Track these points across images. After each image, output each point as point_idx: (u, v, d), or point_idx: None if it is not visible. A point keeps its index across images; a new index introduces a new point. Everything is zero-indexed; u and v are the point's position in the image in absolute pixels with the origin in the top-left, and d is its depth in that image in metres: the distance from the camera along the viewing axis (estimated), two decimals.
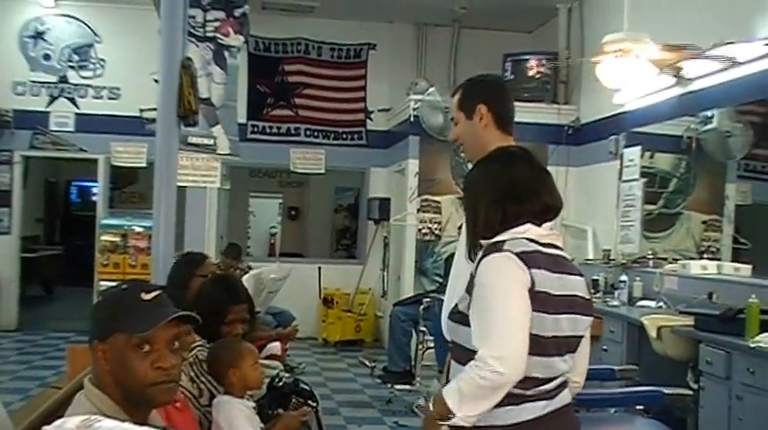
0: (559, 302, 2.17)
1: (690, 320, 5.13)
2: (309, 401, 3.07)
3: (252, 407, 2.72)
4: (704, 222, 7.57)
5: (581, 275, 2.31)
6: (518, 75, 9.05)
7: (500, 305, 2.11)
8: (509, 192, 2.25)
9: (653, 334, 5.18)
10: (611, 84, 6.06)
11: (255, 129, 9.81)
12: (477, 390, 2.08)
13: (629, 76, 5.52)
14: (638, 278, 6.66)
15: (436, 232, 8.75)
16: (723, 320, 4.67)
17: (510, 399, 2.13)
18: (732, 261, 7.10)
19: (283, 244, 15.30)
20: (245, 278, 5.91)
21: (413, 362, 6.59)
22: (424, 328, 6.45)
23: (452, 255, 8.31)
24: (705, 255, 7.38)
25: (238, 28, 7.40)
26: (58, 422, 1.50)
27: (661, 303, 6.11)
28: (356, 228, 13.19)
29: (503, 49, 9.35)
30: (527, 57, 9.09)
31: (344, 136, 10.14)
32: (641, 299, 6.40)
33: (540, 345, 2.13)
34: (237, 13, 7.41)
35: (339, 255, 13.59)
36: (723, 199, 7.56)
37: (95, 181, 10.28)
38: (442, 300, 5.26)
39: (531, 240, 2.19)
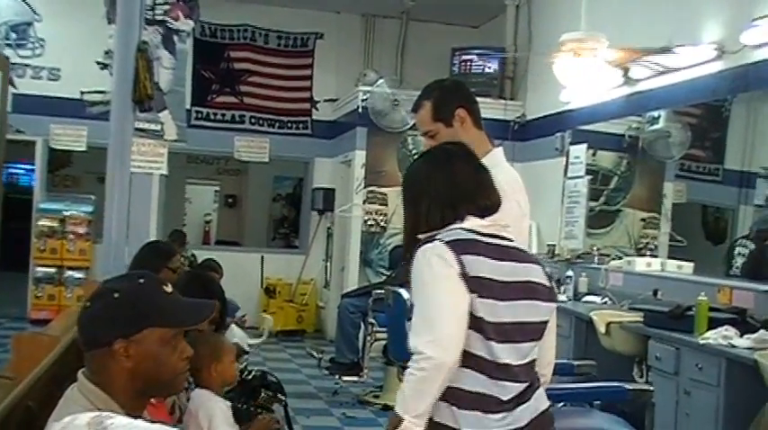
0: (512, 289, 2.17)
1: (637, 316, 5.25)
2: (279, 394, 3.04)
3: (229, 407, 2.69)
4: (643, 220, 7.75)
5: (537, 263, 2.32)
6: (465, 69, 9.11)
7: (429, 294, 2.12)
8: (448, 194, 2.25)
9: (602, 329, 5.28)
10: (566, 82, 6.14)
11: (200, 116, 9.68)
12: (416, 384, 2.09)
13: (584, 74, 5.60)
14: (583, 274, 6.77)
15: (382, 224, 8.77)
16: (672, 317, 4.79)
17: (489, 405, 2.13)
18: (668, 258, 7.29)
19: (219, 232, 15.13)
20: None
21: (360, 354, 6.59)
22: (372, 320, 6.46)
23: (398, 246, 8.33)
24: (643, 252, 7.57)
25: (188, 12, 7.29)
26: (67, 419, 1.46)
27: (606, 299, 6.24)
28: (294, 218, 13.13)
29: (450, 42, 9.41)
30: (475, 51, 9.15)
31: (289, 125, 10.07)
32: (587, 294, 6.52)
33: (500, 332, 2.13)
34: None
35: (276, 244, 13.50)
36: (661, 197, 7.76)
37: (29, 163, 10.00)
38: (396, 293, 5.28)
39: (470, 230, 2.20)
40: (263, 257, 9.91)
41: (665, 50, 5.98)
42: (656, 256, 7.37)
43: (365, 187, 8.74)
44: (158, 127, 6.77)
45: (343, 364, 6.64)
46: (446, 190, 2.26)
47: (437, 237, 2.17)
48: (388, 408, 6.47)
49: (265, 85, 9.95)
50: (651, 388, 3.56)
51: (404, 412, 2.11)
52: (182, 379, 1.86)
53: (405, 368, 5.38)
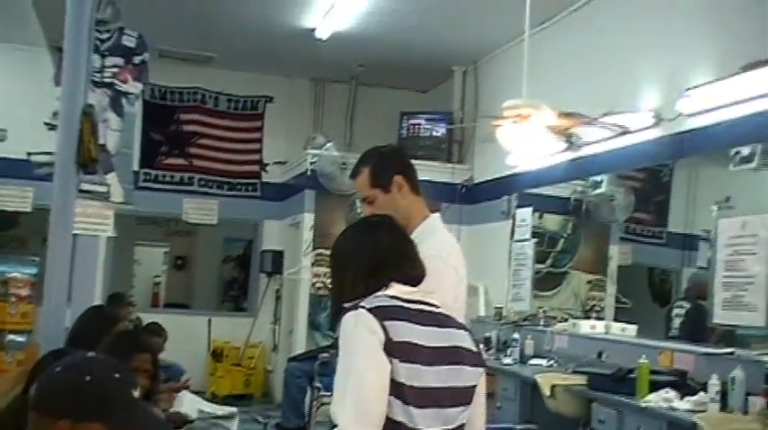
0: (437, 354, 2.18)
1: (581, 379, 5.29)
2: None
3: None
4: (589, 282, 7.85)
5: (465, 329, 2.34)
6: (413, 133, 9.23)
7: (354, 365, 2.11)
8: (372, 263, 2.28)
9: (546, 392, 5.30)
10: (509, 147, 6.26)
11: (148, 178, 9.64)
12: None
13: (526, 140, 5.73)
14: (529, 336, 6.81)
15: (330, 286, 8.74)
16: (615, 380, 4.83)
17: None
18: (614, 319, 7.38)
19: (168, 294, 14.96)
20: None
21: (307, 419, 6.52)
22: (318, 384, 6.41)
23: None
24: (590, 314, 7.65)
25: (137, 75, 7.30)
26: None
27: (552, 361, 6.27)
28: (245, 280, 13.02)
29: (399, 106, 9.55)
30: (423, 116, 9.29)
31: (239, 187, 10.07)
32: (533, 356, 6.55)
33: (423, 397, 2.13)
34: (137, 60, 7.30)
35: (227, 307, 13.37)
36: (607, 259, 7.88)
37: None
38: None
39: (394, 297, 2.22)
40: (210, 320, 9.79)
41: (606, 116, 6.14)
42: (602, 318, 7.46)
43: (313, 249, 8.74)
44: (104, 189, 6.70)
45: (289, 429, 6.56)
46: (369, 260, 2.29)
47: (360, 304, 2.20)
48: None
49: (215, 148, 9.96)
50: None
51: None
52: None
53: None
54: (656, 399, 4.41)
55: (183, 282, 14.81)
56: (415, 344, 2.15)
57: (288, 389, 6.74)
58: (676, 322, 6.99)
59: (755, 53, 4.77)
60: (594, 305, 7.84)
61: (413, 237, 2.73)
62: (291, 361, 7.09)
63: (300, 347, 8.56)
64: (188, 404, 4.97)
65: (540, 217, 7.74)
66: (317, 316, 8.75)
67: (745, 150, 5.11)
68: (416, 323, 2.18)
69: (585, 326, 6.38)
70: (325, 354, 6.39)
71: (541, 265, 7.77)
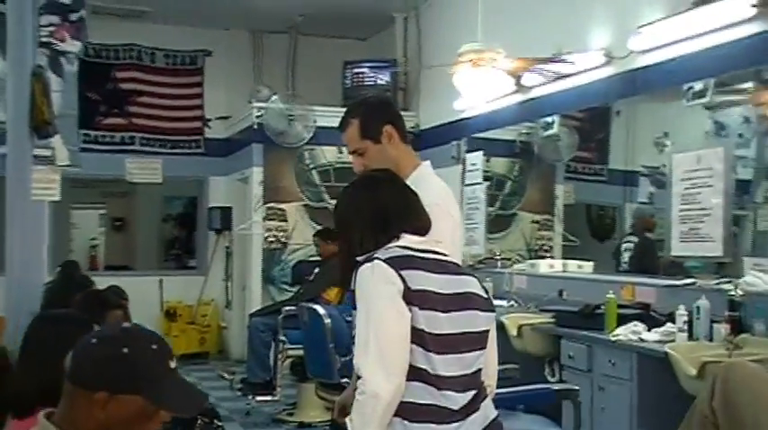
0: (451, 300, 2.22)
1: (546, 318, 5.40)
2: (215, 421, 3.00)
3: None
4: (536, 222, 7.99)
5: (473, 276, 2.39)
6: (357, 82, 9.18)
7: (373, 316, 2.15)
8: (379, 221, 2.31)
9: (513, 332, 5.40)
10: (465, 92, 6.28)
11: (88, 139, 9.37)
12: (365, 409, 2.11)
13: (482, 84, 5.74)
14: (488, 278, 6.89)
15: (282, 240, 8.73)
16: (583, 316, 4.94)
17: (441, 417, 2.16)
18: (563, 258, 7.54)
19: (108, 256, 14.69)
20: None
21: (273, 373, 6.54)
22: (283, 338, 6.42)
23: (301, 262, 8.25)
24: (538, 254, 7.80)
25: (75, 33, 7.05)
26: None
27: (513, 302, 6.37)
28: (187, 238, 12.88)
29: (340, 56, 9.46)
30: (366, 64, 9.23)
31: (182, 144, 9.89)
32: (493, 298, 6.63)
33: (442, 343, 2.18)
34: (73, 17, 7.05)
35: (170, 266, 13.19)
36: (553, 199, 8.01)
37: None
38: (312, 310, 5.27)
39: (405, 247, 2.26)
40: (161, 280, 9.68)
41: (556, 57, 6.18)
42: (551, 257, 7.62)
43: (264, 204, 8.68)
44: (50, 152, 6.55)
45: (255, 384, 6.57)
46: (375, 216, 2.32)
47: (375, 255, 2.21)
48: (303, 426, 6.45)
49: (155, 105, 9.74)
50: (577, 387, 3.67)
51: None
52: None
53: (324, 385, 5.39)
54: (624, 333, 4.52)
55: (122, 244, 14.56)
56: (432, 292, 2.18)
57: (252, 344, 6.73)
58: (626, 256, 7.17)
59: None
60: (543, 245, 7.98)
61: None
62: (254, 316, 7.05)
63: (256, 303, 8.54)
64: None
65: (488, 160, 7.80)
66: (271, 270, 8.73)
67: (698, 85, 5.21)
68: (430, 271, 2.22)
69: (544, 266, 6.50)
70: (288, 308, 6.38)
71: (491, 208, 7.85)
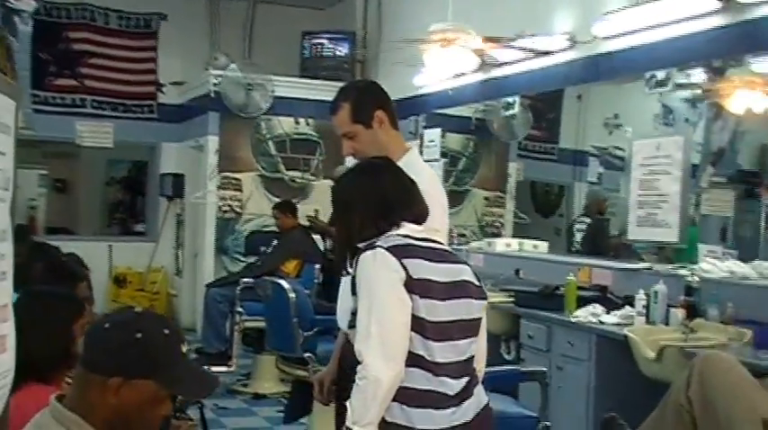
0: (449, 289, 2.30)
1: (505, 297, 5.49)
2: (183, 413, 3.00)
3: None
4: (486, 199, 8.10)
5: (466, 264, 2.47)
6: (316, 53, 9.14)
7: (375, 303, 2.22)
8: (381, 207, 2.37)
9: None
10: (434, 70, 6.32)
11: (37, 99, 9.17)
12: (364, 394, 2.17)
13: (450, 63, 5.78)
14: None
15: (237, 209, 8.70)
16: (543, 297, 5.05)
17: (439, 402, 2.23)
18: (513, 235, 7.68)
19: (49, 218, 14.39)
20: None
21: (229, 344, 6.55)
22: (240, 309, 6.43)
23: (254, 232, 8.22)
24: (487, 230, 7.93)
25: None
26: None
27: None
28: (131, 202, 12.73)
29: (298, 25, 9.40)
30: (325, 35, 9.18)
31: (134, 109, 9.72)
32: None
33: (440, 331, 2.25)
34: None
35: (112, 231, 13.02)
36: (506, 176, 8.13)
37: None
38: (276, 284, 5.28)
39: (406, 236, 2.32)
40: (111, 246, 9.57)
41: (520, 38, 6.23)
42: (499, 235, 7.74)
43: (219, 173, 8.62)
44: None
45: (211, 355, 6.57)
46: (377, 202, 2.37)
47: (377, 243, 2.26)
48: (259, 397, 6.49)
49: (107, 68, 9.55)
50: (545, 369, 3.77)
51: (353, 423, 2.18)
52: None
53: (285, 358, 5.40)
54: (584, 314, 4.64)
55: (64, 206, 14.28)
56: (432, 281, 2.25)
57: (209, 314, 6.72)
58: (578, 237, 7.34)
59: None
60: (493, 221, 8.11)
61: None
62: (211, 286, 7.03)
63: (208, 272, 8.52)
64: None
65: (443, 136, 7.87)
66: (225, 239, 8.70)
67: (661, 74, 5.33)
68: (430, 260, 2.28)
69: (501, 245, 6.59)
70: (246, 280, 6.39)
71: (444, 184, 7.93)
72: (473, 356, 2.37)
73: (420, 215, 2.40)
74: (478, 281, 2.44)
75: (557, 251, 6.88)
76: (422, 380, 2.22)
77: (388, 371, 2.16)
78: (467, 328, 2.33)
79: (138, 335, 1.73)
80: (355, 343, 2.24)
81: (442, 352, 2.24)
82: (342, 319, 2.79)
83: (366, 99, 2.85)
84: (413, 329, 2.21)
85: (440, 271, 2.28)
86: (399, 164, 2.82)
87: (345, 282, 2.54)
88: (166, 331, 1.78)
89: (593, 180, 8.16)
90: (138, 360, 1.73)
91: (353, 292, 2.30)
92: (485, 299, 2.44)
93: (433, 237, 2.39)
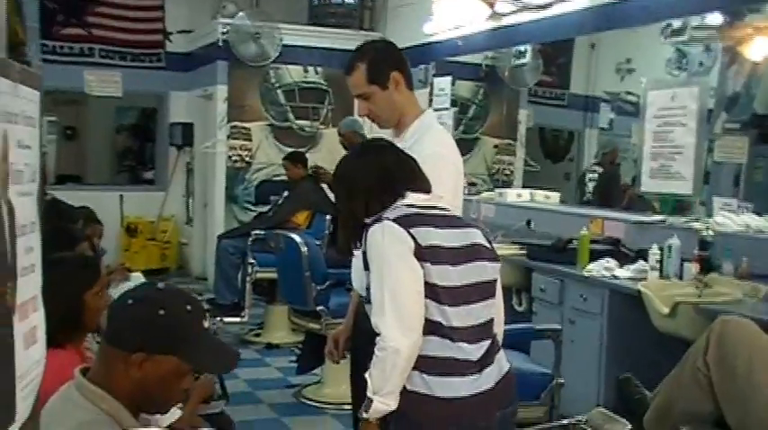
0: (460, 253, 2.30)
1: (516, 249, 5.48)
2: None
3: None
4: (496, 146, 8.05)
5: (477, 228, 2.46)
6: (323, 0, 9.00)
7: (387, 275, 2.22)
8: (384, 183, 2.37)
9: None
10: (448, 21, 6.24)
11: (45, 49, 9.07)
12: (384, 365, 2.18)
13: (461, 13, 5.71)
14: None
15: (246, 159, 8.67)
16: (555, 250, 5.04)
17: (459, 368, 2.24)
18: (523, 182, 7.66)
19: (59, 166, 14.38)
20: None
21: (242, 295, 6.59)
22: (252, 260, 6.46)
23: (264, 181, 8.20)
24: (497, 177, 7.91)
25: None
26: None
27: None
28: (139, 149, 12.69)
29: None
30: None
31: (142, 58, 9.64)
32: None
33: (454, 295, 2.25)
34: None
35: (122, 178, 13.02)
36: (516, 124, 8.07)
37: None
38: (288, 238, 5.28)
39: (411, 205, 2.32)
40: (122, 196, 9.56)
41: None
42: (510, 182, 7.72)
43: (228, 122, 8.57)
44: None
45: (223, 306, 6.61)
46: (380, 179, 2.37)
47: (383, 215, 2.25)
48: (271, 347, 6.54)
49: (114, 16, 9.43)
50: (559, 327, 3.78)
51: (373, 392, 2.19)
52: (172, 406, 1.93)
53: (297, 311, 5.42)
54: (597, 268, 4.62)
55: (73, 154, 14.27)
56: (441, 247, 2.25)
57: (221, 266, 6.74)
58: (590, 186, 7.31)
59: None
60: (503, 169, 8.07)
61: (410, 133, 2.78)
62: (223, 238, 7.04)
63: (219, 221, 8.53)
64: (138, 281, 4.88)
65: (453, 83, 7.80)
66: (235, 189, 8.68)
67: (677, 23, 5.25)
68: (437, 227, 2.28)
69: (512, 195, 6.56)
70: (258, 232, 6.40)
71: (454, 132, 7.89)
72: (492, 320, 2.37)
73: (422, 189, 2.40)
74: (490, 243, 2.43)
75: (567, 198, 6.87)
76: (440, 348, 2.23)
77: (406, 340, 2.16)
78: (482, 291, 2.33)
79: (161, 311, 1.75)
80: (371, 316, 2.24)
81: (459, 316, 2.24)
82: (355, 280, 2.80)
83: (382, 60, 2.81)
84: (427, 296, 2.21)
85: (449, 236, 2.28)
86: (413, 125, 2.81)
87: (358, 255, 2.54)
88: (188, 307, 1.80)
89: (605, 126, 8.11)
90: (160, 336, 1.75)
91: (366, 267, 2.29)
92: (497, 261, 2.44)
93: (438, 203, 2.38)
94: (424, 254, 2.21)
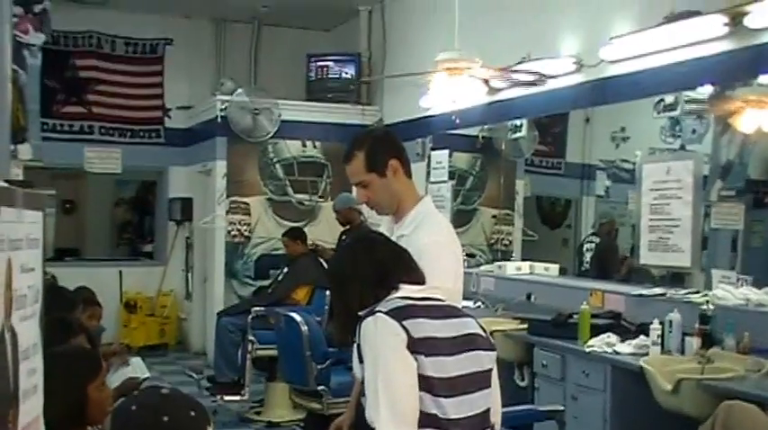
0: (455, 343, 2.29)
1: (517, 324, 5.47)
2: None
3: None
4: (494, 217, 8.07)
5: (471, 317, 2.46)
6: (322, 75, 9.14)
7: (381, 369, 2.21)
8: (377, 276, 2.38)
9: None
10: (444, 98, 6.33)
11: (46, 127, 9.18)
12: None
13: (458, 91, 5.79)
14: None
15: (246, 234, 8.69)
16: (556, 325, 5.02)
17: None
18: (522, 252, 7.65)
19: (57, 240, 14.38)
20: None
21: (242, 372, 6.53)
22: (252, 338, 6.43)
23: (263, 256, 8.20)
24: (496, 248, 7.90)
25: (38, 25, 6.91)
26: None
27: (479, 303, 6.44)
28: (139, 223, 12.73)
29: (303, 47, 9.42)
30: (330, 58, 9.18)
31: (141, 133, 9.75)
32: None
33: (450, 387, 2.24)
34: (37, 8, 6.91)
35: (122, 251, 13.03)
36: (514, 194, 8.10)
37: None
38: (288, 317, 5.27)
39: (404, 298, 2.32)
40: (121, 272, 9.56)
41: (525, 61, 6.22)
42: (510, 252, 7.71)
43: (227, 197, 8.63)
44: (12, 146, 6.42)
45: (224, 384, 6.56)
46: (373, 273, 2.38)
47: (376, 309, 2.26)
48: (272, 425, 6.47)
49: (114, 94, 9.57)
50: (563, 408, 3.75)
51: None
52: None
53: (297, 390, 5.40)
54: (598, 344, 4.60)
55: (72, 227, 14.30)
56: (436, 338, 2.25)
57: (221, 343, 6.71)
58: (587, 256, 7.31)
59: (679, 4, 4.92)
60: (502, 239, 8.08)
61: (409, 220, 2.80)
62: (222, 315, 7.02)
63: (218, 296, 8.52)
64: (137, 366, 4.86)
65: (450, 155, 7.86)
66: (234, 263, 8.69)
67: (669, 98, 5.32)
68: (432, 317, 2.28)
69: (511, 268, 6.57)
70: (258, 309, 6.38)
71: (452, 203, 7.92)
72: (489, 409, 2.36)
73: (415, 281, 2.40)
74: (485, 331, 2.44)
75: (566, 265, 6.88)
76: None
77: None
78: (479, 381, 2.32)
79: (165, 418, 1.74)
80: (366, 409, 2.24)
81: (456, 407, 2.23)
82: (355, 365, 2.79)
83: (381, 148, 2.84)
84: (421, 389, 2.20)
85: (444, 327, 2.28)
86: (411, 213, 2.83)
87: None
88: (192, 413, 1.79)
89: (601, 193, 8.14)
90: None
91: (360, 360, 2.30)
92: (493, 349, 2.43)
93: (433, 294, 2.39)
94: (418, 346, 2.21)
